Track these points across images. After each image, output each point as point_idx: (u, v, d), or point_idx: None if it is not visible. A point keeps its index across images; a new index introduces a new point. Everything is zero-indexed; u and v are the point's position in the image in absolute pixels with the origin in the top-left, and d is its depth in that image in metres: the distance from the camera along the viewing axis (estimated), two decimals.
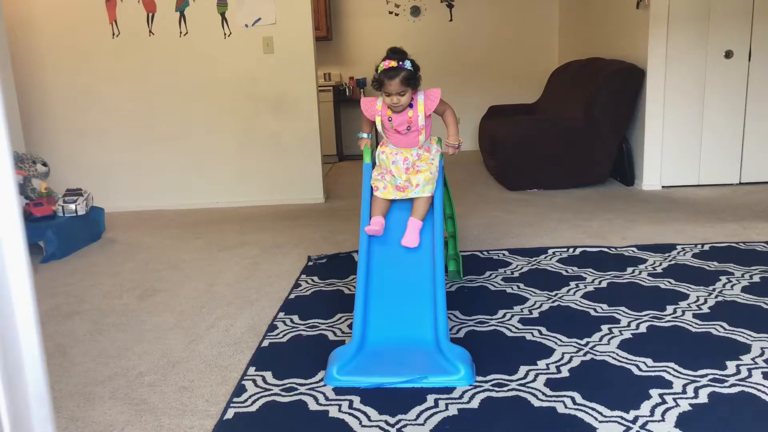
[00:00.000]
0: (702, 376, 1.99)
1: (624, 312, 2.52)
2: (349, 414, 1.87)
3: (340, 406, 1.92)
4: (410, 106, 2.37)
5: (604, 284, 2.85)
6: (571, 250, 3.35)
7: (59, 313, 2.87)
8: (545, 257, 3.25)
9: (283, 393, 2.02)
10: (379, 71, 2.32)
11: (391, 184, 2.43)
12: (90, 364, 2.34)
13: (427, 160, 2.45)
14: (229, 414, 1.92)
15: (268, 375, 2.14)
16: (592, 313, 2.54)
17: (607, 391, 1.92)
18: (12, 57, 4.42)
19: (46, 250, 3.70)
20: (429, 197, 2.42)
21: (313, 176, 5.03)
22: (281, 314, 2.68)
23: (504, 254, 3.33)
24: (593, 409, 1.83)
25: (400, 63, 2.29)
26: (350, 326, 2.41)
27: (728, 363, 2.06)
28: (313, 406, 1.94)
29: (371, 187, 2.46)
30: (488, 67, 7.41)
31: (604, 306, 2.60)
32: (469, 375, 2.02)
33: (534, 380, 2.01)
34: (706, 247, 3.30)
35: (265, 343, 2.40)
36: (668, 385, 1.94)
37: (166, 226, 4.49)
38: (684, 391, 1.90)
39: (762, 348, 2.16)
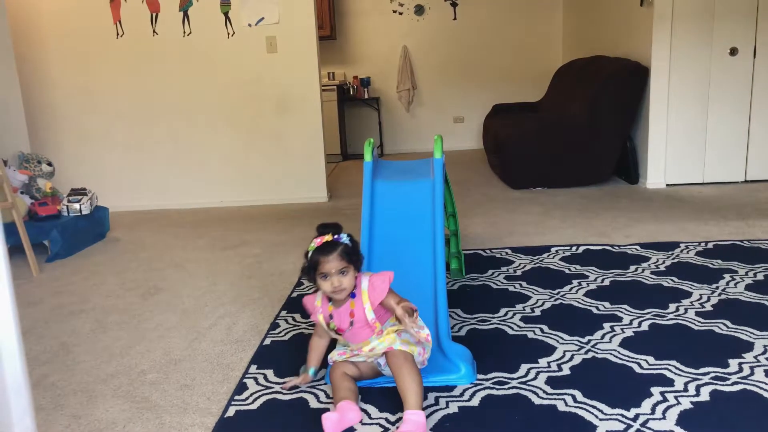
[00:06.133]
0: (704, 374, 1.98)
1: (626, 310, 2.51)
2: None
3: None
4: (352, 295, 1.91)
5: (606, 282, 2.84)
6: (574, 248, 3.34)
7: (63, 312, 2.89)
8: (548, 255, 3.25)
9: (284, 391, 2.02)
10: (310, 253, 1.88)
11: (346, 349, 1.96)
12: (93, 362, 2.35)
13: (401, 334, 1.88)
14: (230, 412, 1.92)
15: (270, 373, 2.15)
16: (594, 311, 2.53)
17: (608, 389, 1.92)
18: (17, 58, 4.44)
19: (51, 249, 3.72)
20: (409, 361, 1.81)
21: (316, 175, 5.03)
22: (283, 312, 2.69)
23: (507, 252, 3.33)
24: (594, 407, 1.83)
25: (336, 236, 1.89)
26: None
27: (731, 361, 2.05)
28: (314, 404, 1.94)
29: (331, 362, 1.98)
30: (492, 66, 7.40)
31: (607, 304, 2.59)
32: (470, 373, 2.02)
33: (535, 378, 2.01)
34: (710, 245, 3.29)
35: (267, 342, 2.41)
36: (670, 383, 1.94)
37: (169, 225, 4.51)
38: (686, 389, 1.89)
39: (765, 346, 2.15)
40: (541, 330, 2.37)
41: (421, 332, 1.88)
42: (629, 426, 1.73)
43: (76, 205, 3.93)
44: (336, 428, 1.76)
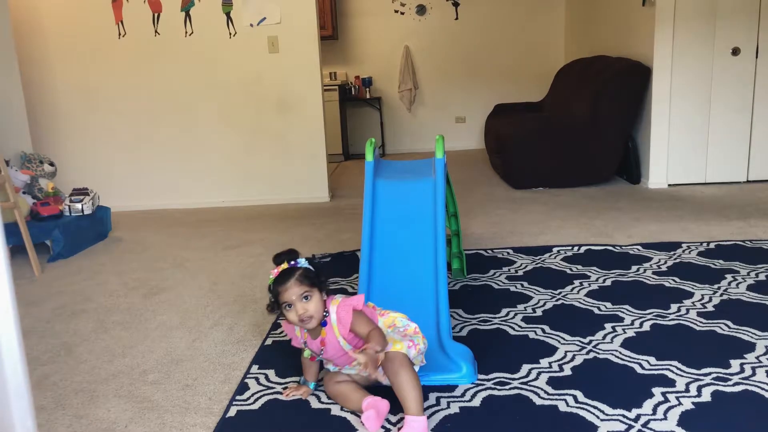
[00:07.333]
0: (705, 375, 1.97)
1: (628, 310, 2.51)
2: (351, 412, 1.88)
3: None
4: (323, 323, 1.85)
5: (608, 282, 2.84)
6: (575, 248, 3.34)
7: (65, 312, 2.89)
8: (550, 255, 3.24)
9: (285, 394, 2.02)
10: (271, 287, 1.83)
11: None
12: (95, 362, 2.36)
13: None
14: (232, 412, 1.92)
15: (271, 373, 2.15)
16: (596, 311, 2.53)
17: (609, 390, 1.91)
18: (19, 57, 4.45)
19: (53, 249, 3.73)
20: (405, 365, 1.75)
21: (318, 175, 5.04)
22: None
23: (508, 252, 3.33)
24: (595, 407, 1.82)
25: (293, 262, 1.83)
26: None
27: (732, 361, 2.05)
28: (315, 404, 1.94)
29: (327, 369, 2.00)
30: (494, 66, 7.40)
31: (608, 304, 2.59)
32: (471, 373, 2.02)
33: (536, 378, 2.01)
34: (712, 246, 3.28)
35: (269, 342, 2.41)
36: (671, 383, 1.93)
37: (171, 225, 4.51)
38: (687, 390, 1.89)
39: (766, 346, 2.15)
40: (543, 330, 2.37)
41: (408, 329, 1.91)
42: (630, 426, 1.72)
43: (78, 205, 3.93)
44: (378, 423, 1.77)
